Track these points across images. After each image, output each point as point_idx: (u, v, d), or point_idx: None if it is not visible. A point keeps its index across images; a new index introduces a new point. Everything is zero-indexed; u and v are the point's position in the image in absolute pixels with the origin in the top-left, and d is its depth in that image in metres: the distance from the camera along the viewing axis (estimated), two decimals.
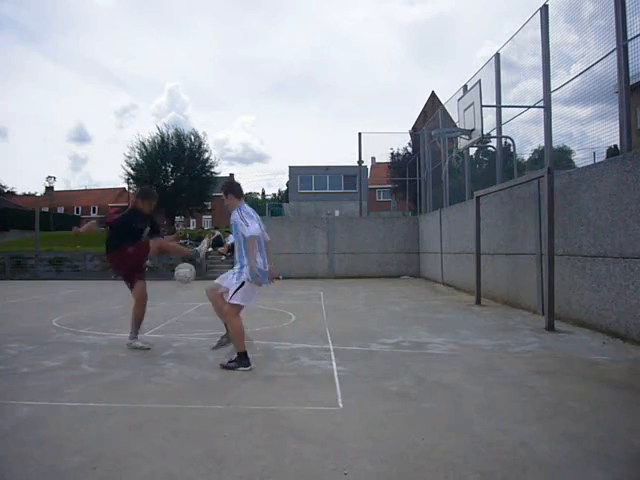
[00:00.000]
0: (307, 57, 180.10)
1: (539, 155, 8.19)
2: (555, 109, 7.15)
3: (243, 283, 4.16)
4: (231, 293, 4.20)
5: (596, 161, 6.25)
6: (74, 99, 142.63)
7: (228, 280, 4.38)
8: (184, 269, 5.26)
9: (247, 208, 4.36)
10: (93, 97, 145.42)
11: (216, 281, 4.56)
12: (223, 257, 17.33)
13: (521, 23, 8.02)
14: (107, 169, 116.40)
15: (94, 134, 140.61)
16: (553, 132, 7.12)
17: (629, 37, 5.46)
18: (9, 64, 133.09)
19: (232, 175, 57.86)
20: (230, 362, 4.19)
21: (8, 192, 54.02)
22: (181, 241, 24.42)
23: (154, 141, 29.35)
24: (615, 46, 5.59)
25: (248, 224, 4.15)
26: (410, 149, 27.21)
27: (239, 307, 4.22)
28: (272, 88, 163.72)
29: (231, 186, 4.47)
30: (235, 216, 4.30)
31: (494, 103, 9.05)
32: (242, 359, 4.15)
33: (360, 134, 18.65)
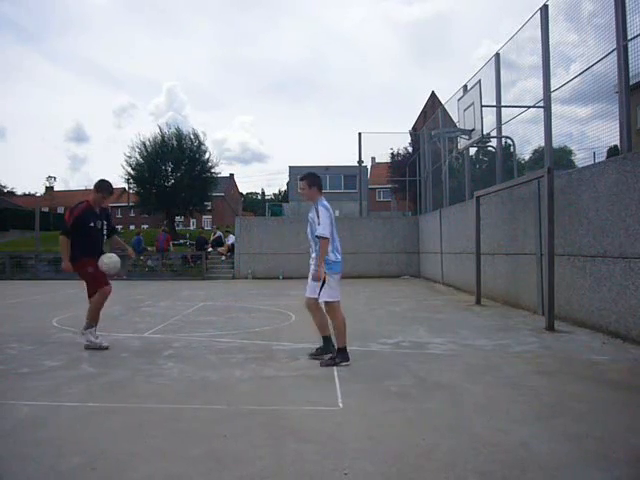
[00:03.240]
0: (306, 57, 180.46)
1: (539, 155, 8.18)
2: (555, 109, 7.16)
3: (324, 281, 4.18)
4: (318, 294, 4.24)
5: (596, 161, 6.25)
6: (72, 99, 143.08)
7: (311, 287, 4.35)
8: (113, 259, 5.14)
9: (325, 202, 4.32)
10: (91, 97, 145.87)
11: (307, 294, 4.43)
12: (223, 257, 17.33)
13: (519, 22, 8.07)
14: (106, 169, 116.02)
15: (92, 134, 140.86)
16: (553, 132, 7.12)
17: (629, 37, 5.47)
18: (8, 64, 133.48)
19: (232, 175, 57.74)
20: (331, 359, 4.25)
21: (8, 192, 54.08)
22: (181, 241, 24.49)
23: (154, 141, 29.28)
24: (615, 46, 5.60)
25: (320, 223, 4.16)
26: (410, 149, 27.18)
27: (334, 303, 4.25)
28: (271, 88, 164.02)
29: (315, 178, 4.45)
30: (312, 212, 4.30)
31: (494, 103, 9.05)
32: (342, 353, 4.24)
33: (360, 134, 18.63)
